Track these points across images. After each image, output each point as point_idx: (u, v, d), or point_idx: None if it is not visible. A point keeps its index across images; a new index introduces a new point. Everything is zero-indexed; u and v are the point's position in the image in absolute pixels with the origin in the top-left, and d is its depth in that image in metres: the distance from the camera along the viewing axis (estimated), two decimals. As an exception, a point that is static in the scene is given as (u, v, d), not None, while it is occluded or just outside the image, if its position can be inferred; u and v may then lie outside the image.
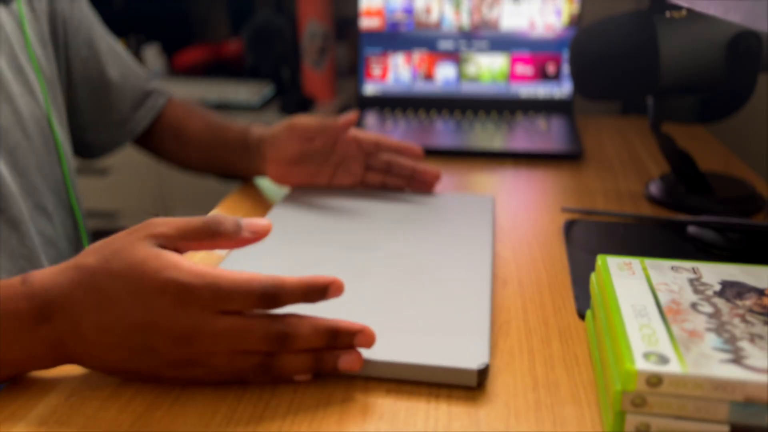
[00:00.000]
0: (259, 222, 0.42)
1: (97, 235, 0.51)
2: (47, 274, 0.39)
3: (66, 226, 0.67)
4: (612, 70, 0.64)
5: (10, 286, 0.39)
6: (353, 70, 1.67)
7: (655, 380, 0.33)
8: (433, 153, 0.87)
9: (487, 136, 0.91)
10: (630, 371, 0.33)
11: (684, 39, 0.61)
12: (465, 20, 1.05)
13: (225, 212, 0.70)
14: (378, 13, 1.07)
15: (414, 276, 0.51)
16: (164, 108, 0.78)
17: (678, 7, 0.62)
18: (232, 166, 0.75)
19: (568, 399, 0.40)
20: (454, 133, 0.93)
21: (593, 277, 0.45)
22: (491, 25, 1.04)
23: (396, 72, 1.08)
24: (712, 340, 0.35)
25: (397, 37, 1.07)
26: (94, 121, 0.73)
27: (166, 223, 0.40)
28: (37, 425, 0.38)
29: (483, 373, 0.40)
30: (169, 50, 1.71)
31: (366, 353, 0.41)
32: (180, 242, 0.40)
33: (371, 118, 1.02)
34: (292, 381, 0.41)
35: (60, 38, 0.68)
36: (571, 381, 0.41)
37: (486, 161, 0.85)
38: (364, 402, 0.39)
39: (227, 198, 0.73)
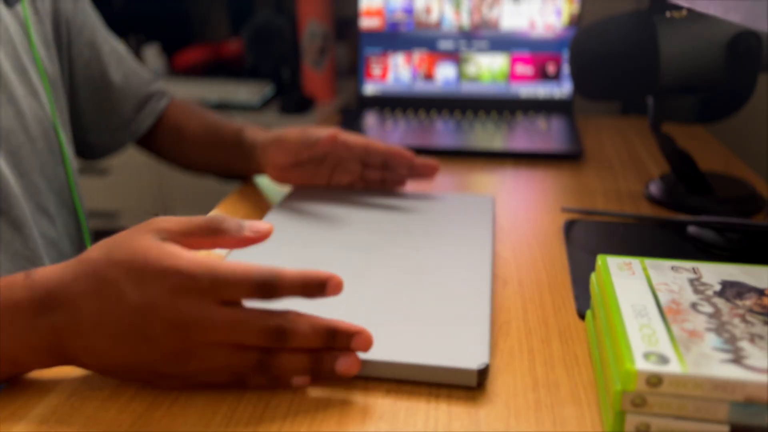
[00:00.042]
0: (262, 223, 0.43)
1: (98, 235, 0.51)
2: (50, 269, 0.40)
3: (68, 227, 0.67)
4: (612, 70, 0.64)
5: (12, 279, 0.40)
6: (353, 70, 1.67)
7: (655, 380, 0.33)
8: (433, 153, 0.87)
9: (487, 136, 0.91)
10: (630, 371, 0.33)
11: (684, 39, 0.61)
12: (465, 20, 1.05)
13: (225, 212, 0.70)
14: (378, 13, 1.07)
15: (414, 276, 0.51)
16: (166, 110, 0.79)
17: (678, 7, 0.62)
18: (230, 167, 0.75)
19: (568, 399, 0.40)
20: (454, 133, 0.93)
21: (593, 277, 0.46)
22: (491, 25, 1.04)
23: (396, 72, 1.08)
24: (712, 340, 0.35)
25: (397, 37, 1.07)
26: (95, 122, 0.73)
27: (169, 220, 0.41)
28: (37, 425, 0.38)
29: (483, 373, 0.40)
30: (169, 50, 1.71)
31: (366, 353, 0.41)
32: (183, 238, 0.40)
33: (371, 118, 1.02)
34: (289, 386, 0.40)
35: (63, 40, 0.68)
36: (571, 381, 0.41)
37: (486, 161, 0.85)
38: (364, 402, 0.39)
39: (227, 198, 0.73)
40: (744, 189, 0.69)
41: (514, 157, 0.86)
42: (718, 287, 0.40)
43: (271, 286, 0.38)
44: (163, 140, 0.79)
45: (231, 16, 1.76)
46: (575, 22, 1.02)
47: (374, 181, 0.70)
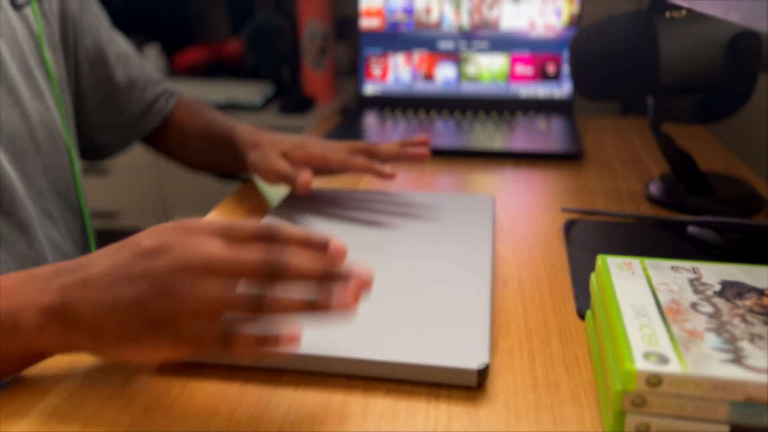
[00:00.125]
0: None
1: (99, 235, 0.51)
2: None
3: (72, 230, 0.67)
4: (612, 70, 0.64)
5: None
6: (353, 70, 1.67)
7: (655, 380, 0.33)
8: (433, 153, 0.87)
9: (487, 136, 0.92)
10: (630, 371, 0.33)
11: (684, 39, 0.61)
12: (465, 20, 1.05)
13: (225, 213, 0.70)
14: (378, 13, 1.07)
15: (414, 276, 0.51)
16: (172, 109, 0.79)
17: (678, 7, 0.62)
18: (225, 166, 0.76)
19: (568, 399, 0.40)
20: (454, 133, 0.93)
21: (593, 277, 0.46)
22: (491, 25, 1.04)
23: (396, 72, 1.08)
24: (712, 340, 0.35)
25: (397, 37, 1.07)
26: (102, 123, 0.74)
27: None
28: (37, 425, 0.38)
29: (483, 373, 0.40)
30: (169, 50, 1.71)
31: (366, 353, 0.41)
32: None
33: (371, 118, 1.02)
34: (278, 342, 0.36)
35: (69, 42, 0.68)
36: (571, 381, 0.41)
37: (486, 161, 0.85)
38: (364, 402, 0.39)
39: (227, 198, 0.74)
40: (744, 189, 0.69)
41: (514, 157, 0.86)
42: (718, 287, 0.40)
43: (271, 232, 0.39)
44: (167, 139, 0.79)
45: (231, 16, 1.76)
46: (575, 22, 1.02)
47: (360, 166, 0.65)
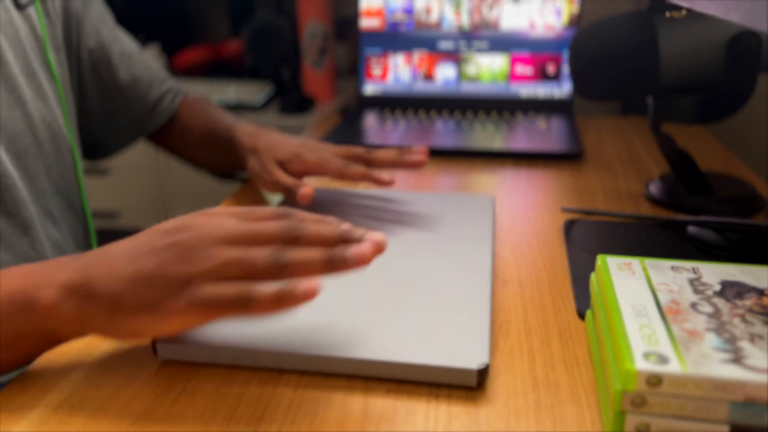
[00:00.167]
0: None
1: (100, 235, 0.51)
2: None
3: (74, 230, 0.67)
4: (612, 70, 0.64)
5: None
6: (353, 70, 1.67)
7: (655, 380, 0.33)
8: (433, 153, 0.87)
9: (487, 136, 0.92)
10: (630, 371, 0.33)
11: (684, 39, 0.61)
12: (465, 20, 1.05)
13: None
14: (378, 13, 1.07)
15: (414, 276, 0.51)
16: (178, 108, 0.79)
17: (678, 7, 0.62)
18: (229, 166, 0.76)
19: (568, 399, 0.40)
20: (454, 133, 0.93)
21: (593, 277, 0.46)
22: (491, 25, 1.04)
23: (396, 72, 1.08)
24: (712, 340, 0.35)
25: (397, 37, 1.07)
26: (105, 121, 0.74)
27: None
28: (37, 424, 0.38)
29: (483, 373, 0.40)
30: (169, 50, 1.71)
31: (366, 353, 0.41)
32: None
33: (371, 118, 1.02)
34: (298, 297, 0.36)
35: (73, 41, 0.68)
36: (571, 381, 0.41)
37: (486, 161, 0.85)
38: (364, 402, 0.39)
39: (227, 198, 0.74)
40: (744, 189, 0.69)
41: (514, 157, 0.86)
42: (718, 287, 0.40)
43: (290, 212, 0.41)
44: (171, 138, 0.79)
45: (231, 16, 1.76)
46: (575, 22, 1.02)
47: (357, 175, 0.63)
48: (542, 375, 0.42)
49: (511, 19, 1.03)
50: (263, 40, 1.54)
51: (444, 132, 0.94)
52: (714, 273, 0.42)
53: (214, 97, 1.48)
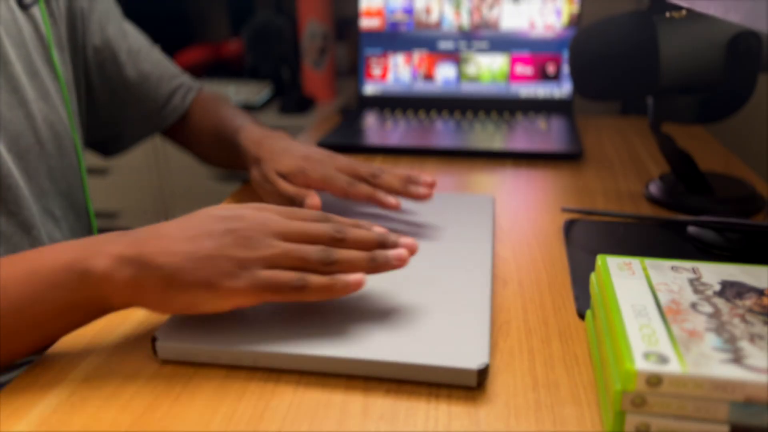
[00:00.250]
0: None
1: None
2: None
3: (75, 230, 0.67)
4: (612, 70, 0.64)
5: None
6: (353, 70, 1.67)
7: (655, 380, 0.33)
8: (433, 153, 0.87)
9: (487, 136, 0.92)
10: (630, 371, 0.33)
11: (684, 39, 0.61)
12: (465, 20, 1.05)
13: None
14: (378, 13, 1.07)
15: (414, 276, 0.51)
16: (191, 105, 0.78)
17: (678, 7, 0.62)
18: (237, 166, 0.76)
19: (568, 399, 0.40)
20: (454, 133, 0.93)
21: (593, 277, 0.46)
22: (491, 25, 1.04)
23: (396, 72, 1.08)
24: (712, 340, 0.35)
25: (397, 37, 1.07)
26: (114, 119, 0.73)
27: None
28: (37, 424, 0.38)
29: (483, 373, 0.40)
30: (169, 50, 1.71)
31: (366, 353, 0.41)
32: None
33: (371, 118, 1.02)
34: (346, 288, 0.42)
35: (78, 40, 0.68)
36: (571, 381, 0.41)
37: (486, 161, 0.85)
38: (364, 402, 0.39)
39: (227, 198, 0.74)
40: (744, 189, 0.69)
41: (514, 157, 0.86)
42: (718, 287, 0.41)
43: (330, 217, 0.46)
44: (183, 134, 0.79)
45: (231, 16, 1.76)
46: (575, 22, 1.02)
47: (363, 194, 0.61)
48: (542, 375, 0.42)
49: (511, 19, 1.03)
50: (263, 40, 1.54)
51: (444, 132, 0.94)
52: (714, 273, 0.42)
53: (214, 97, 1.48)
